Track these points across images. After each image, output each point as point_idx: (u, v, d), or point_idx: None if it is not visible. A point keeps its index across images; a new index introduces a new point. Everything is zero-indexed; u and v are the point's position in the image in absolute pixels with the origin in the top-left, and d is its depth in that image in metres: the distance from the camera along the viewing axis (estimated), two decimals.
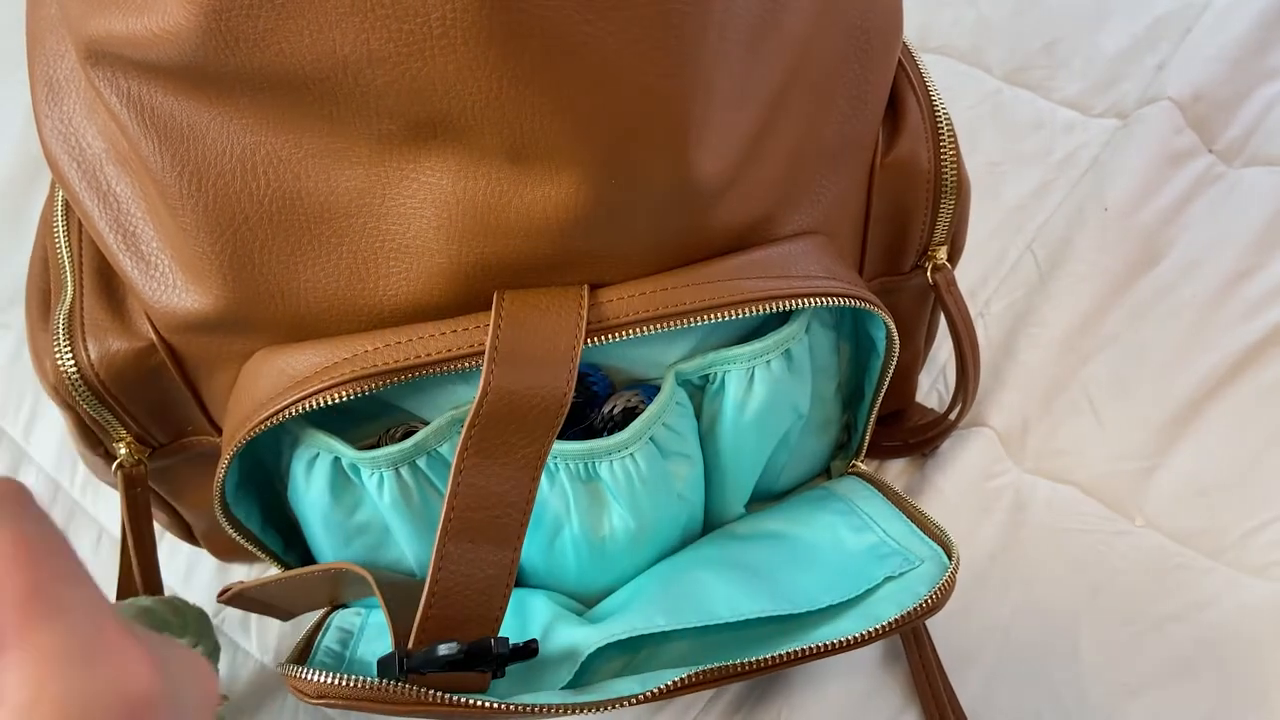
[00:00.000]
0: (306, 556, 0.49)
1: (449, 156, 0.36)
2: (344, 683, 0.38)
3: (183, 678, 0.25)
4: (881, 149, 0.46)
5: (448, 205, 0.37)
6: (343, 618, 0.48)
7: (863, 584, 0.45)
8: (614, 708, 0.42)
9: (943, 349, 0.64)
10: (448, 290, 0.39)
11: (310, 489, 0.43)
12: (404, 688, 0.38)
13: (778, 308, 0.41)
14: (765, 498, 0.53)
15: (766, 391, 0.44)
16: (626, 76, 0.35)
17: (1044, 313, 0.67)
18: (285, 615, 0.50)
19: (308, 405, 0.38)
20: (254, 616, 0.59)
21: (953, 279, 0.51)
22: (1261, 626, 0.56)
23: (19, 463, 0.66)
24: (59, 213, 0.45)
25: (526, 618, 0.46)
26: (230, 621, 0.60)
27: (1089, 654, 0.56)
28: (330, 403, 0.38)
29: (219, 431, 0.46)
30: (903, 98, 0.47)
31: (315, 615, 0.49)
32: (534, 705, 0.40)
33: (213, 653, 0.50)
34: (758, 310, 0.40)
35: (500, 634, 0.40)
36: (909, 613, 0.43)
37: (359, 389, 0.38)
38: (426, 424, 0.42)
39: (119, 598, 0.48)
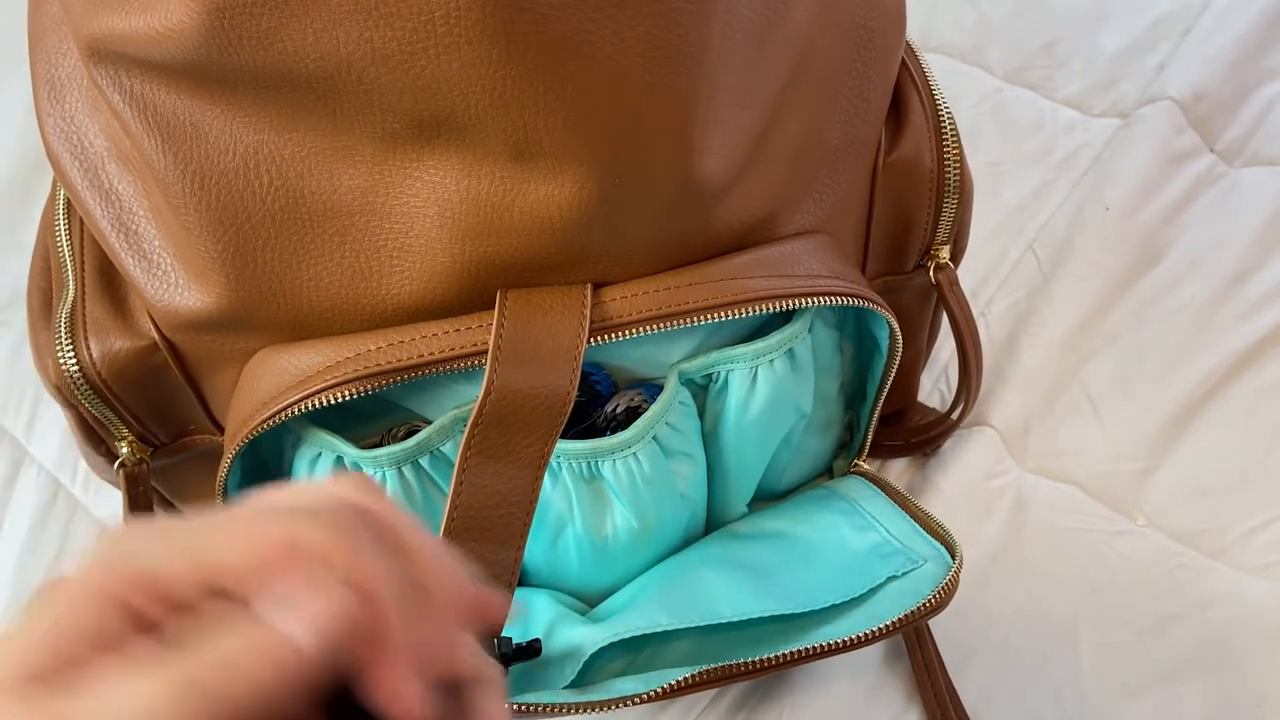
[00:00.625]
0: None
1: (452, 155, 0.36)
2: None
3: None
4: (884, 148, 0.46)
5: (451, 204, 0.37)
6: None
7: (866, 583, 0.45)
8: (617, 707, 0.42)
9: (944, 348, 0.64)
10: (451, 289, 0.39)
11: None
12: None
13: (781, 307, 0.41)
14: (768, 497, 0.53)
15: (769, 391, 0.44)
16: (630, 75, 0.35)
17: (1045, 312, 0.67)
18: None
19: (311, 404, 0.38)
20: None
21: (955, 278, 0.51)
22: (1262, 626, 0.56)
23: (20, 461, 0.66)
24: (60, 211, 0.45)
25: (529, 617, 0.46)
26: None
27: (1090, 653, 0.56)
28: (333, 402, 0.38)
29: (221, 430, 0.46)
30: (906, 97, 0.47)
31: None
32: (538, 705, 0.40)
33: None
34: (761, 310, 0.40)
35: (503, 634, 0.40)
36: (912, 612, 0.43)
37: (362, 388, 0.38)
38: (429, 423, 0.42)
39: None
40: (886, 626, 0.43)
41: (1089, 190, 0.71)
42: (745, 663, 0.42)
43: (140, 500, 0.46)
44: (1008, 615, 0.58)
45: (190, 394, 0.44)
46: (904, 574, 0.45)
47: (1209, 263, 0.67)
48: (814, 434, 0.52)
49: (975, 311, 0.65)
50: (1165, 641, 0.56)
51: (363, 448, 0.42)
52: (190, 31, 0.34)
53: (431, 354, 0.38)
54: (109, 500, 0.65)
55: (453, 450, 0.42)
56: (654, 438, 0.43)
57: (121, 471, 0.45)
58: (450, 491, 0.38)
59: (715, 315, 0.40)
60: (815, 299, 0.41)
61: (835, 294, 0.42)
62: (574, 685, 0.43)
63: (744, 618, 0.44)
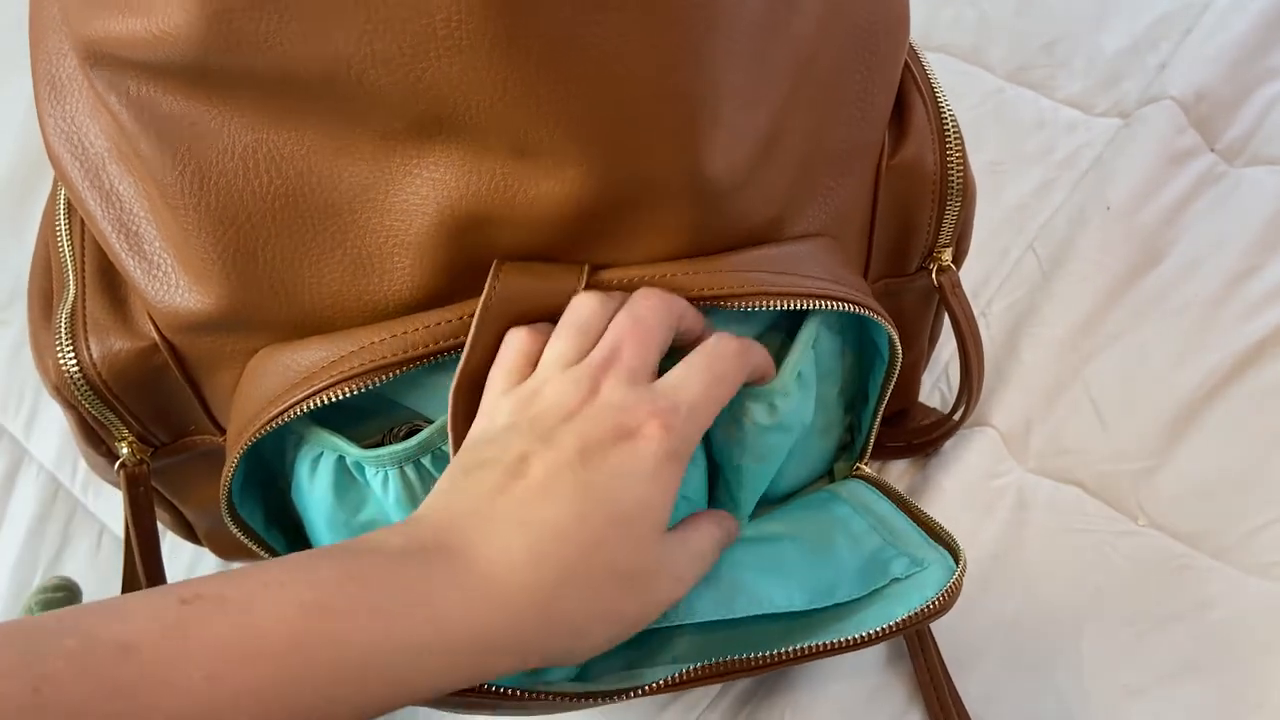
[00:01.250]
0: None
1: (453, 152, 0.36)
2: None
3: None
4: (888, 151, 0.46)
5: (451, 199, 0.37)
6: None
7: (869, 585, 0.45)
8: (621, 698, 0.42)
9: (945, 348, 0.64)
10: (452, 284, 0.39)
11: (315, 488, 0.43)
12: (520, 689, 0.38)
13: (782, 305, 0.40)
14: (768, 501, 0.53)
15: (782, 418, 0.44)
16: (634, 76, 0.35)
17: (1046, 312, 0.66)
18: None
19: (317, 401, 0.38)
20: None
21: (957, 281, 0.51)
22: (1265, 626, 0.56)
23: (19, 460, 0.66)
24: (61, 211, 0.45)
25: None
26: None
27: (1092, 654, 0.56)
28: (339, 398, 0.38)
29: (221, 431, 0.46)
30: (909, 99, 0.47)
31: None
32: (546, 692, 0.40)
33: None
34: (760, 305, 0.40)
35: None
36: (916, 613, 0.43)
37: (367, 382, 0.38)
38: (430, 421, 0.42)
39: None
40: (891, 627, 0.42)
41: (1090, 190, 0.70)
42: (748, 658, 0.42)
43: (141, 500, 0.46)
44: (1009, 615, 0.58)
45: (191, 395, 0.44)
46: (907, 576, 0.45)
47: (1210, 262, 0.67)
48: (815, 437, 0.52)
49: (976, 311, 0.65)
50: (1167, 642, 0.56)
51: (364, 447, 0.41)
52: (188, 35, 0.34)
53: (435, 342, 0.38)
54: (109, 500, 0.65)
55: None
56: None
57: (122, 472, 0.45)
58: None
59: (712, 304, 0.39)
60: (814, 301, 0.41)
61: (835, 299, 0.41)
62: (576, 679, 0.43)
63: (755, 613, 0.44)
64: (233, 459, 0.40)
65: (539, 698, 0.39)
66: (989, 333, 0.66)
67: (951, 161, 0.47)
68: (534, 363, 0.38)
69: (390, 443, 0.42)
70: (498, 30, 0.33)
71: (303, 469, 0.43)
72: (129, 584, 0.48)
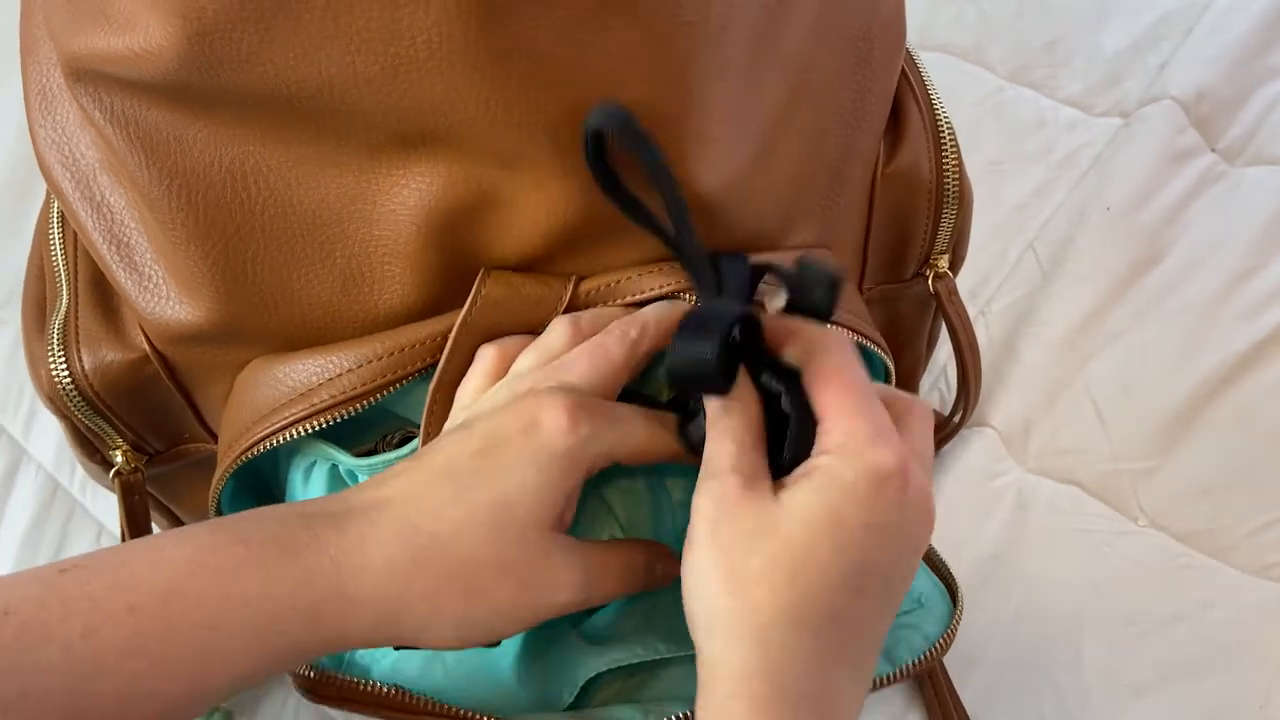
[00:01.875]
0: None
1: (439, 163, 0.36)
2: (363, 687, 0.38)
3: None
4: (883, 159, 0.46)
5: (438, 208, 0.37)
6: None
7: None
8: None
9: (942, 349, 0.64)
10: (441, 294, 0.38)
11: (308, 495, 0.43)
12: (419, 698, 0.38)
13: None
14: None
15: None
16: (617, 92, 0.34)
17: (1046, 312, 0.66)
18: None
19: (318, 422, 0.38)
20: None
21: (954, 287, 0.51)
22: (1264, 626, 0.56)
23: (18, 460, 0.66)
24: (54, 220, 0.45)
25: None
26: None
27: (1092, 654, 0.56)
28: (341, 419, 0.38)
29: (215, 439, 0.46)
30: (904, 107, 0.47)
31: None
32: None
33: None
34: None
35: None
36: (920, 661, 0.43)
37: (367, 402, 0.38)
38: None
39: None
40: (893, 675, 0.43)
41: (1090, 189, 0.70)
42: None
43: (137, 508, 0.46)
44: (1009, 616, 0.58)
45: (183, 404, 0.44)
46: (906, 613, 0.45)
47: (1210, 262, 0.67)
48: None
49: (975, 311, 0.65)
50: (1168, 642, 0.56)
51: (357, 455, 0.41)
52: (170, 53, 0.33)
53: (431, 356, 0.38)
54: (107, 500, 0.65)
55: None
56: None
57: (117, 480, 0.45)
58: None
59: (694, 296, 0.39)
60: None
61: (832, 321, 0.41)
62: (572, 708, 0.43)
63: None
64: (223, 472, 0.40)
65: None
66: (988, 333, 0.66)
67: (947, 168, 0.46)
68: (499, 378, 0.38)
69: (383, 451, 0.42)
70: (478, 51, 0.32)
71: (296, 477, 0.43)
72: None
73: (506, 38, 0.32)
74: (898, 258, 0.49)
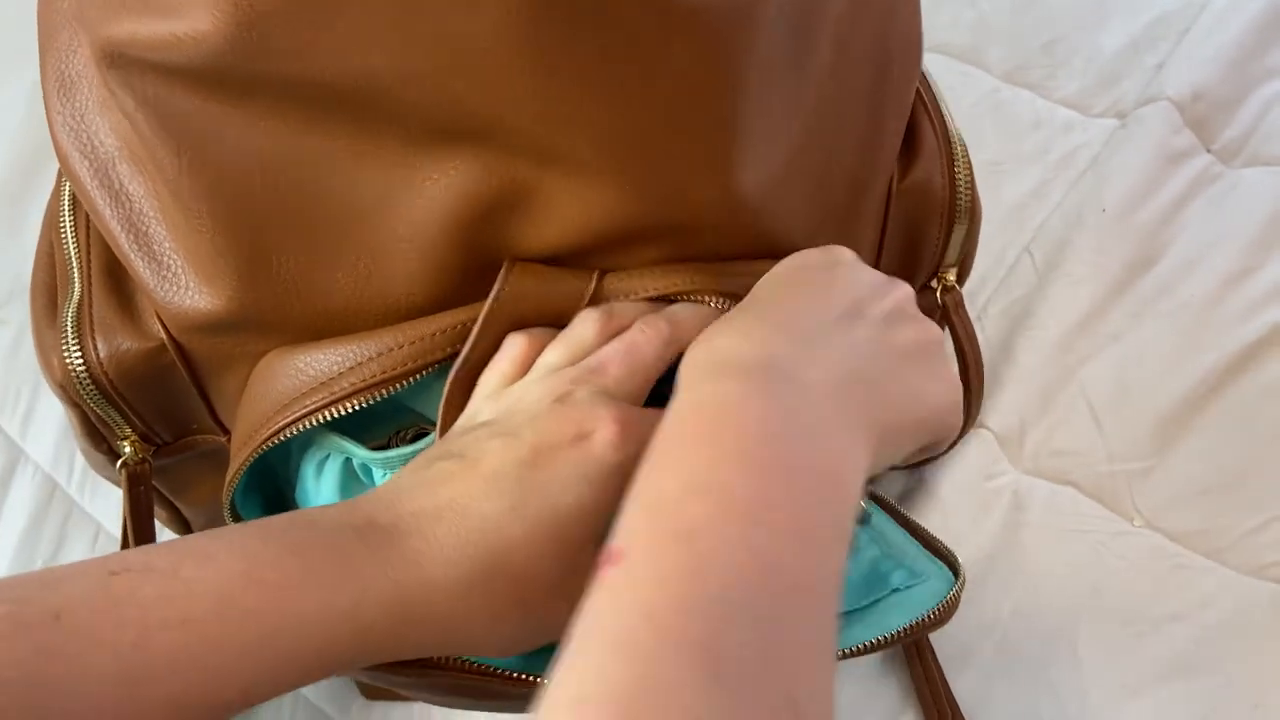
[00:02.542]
0: None
1: (474, 157, 0.36)
2: None
3: None
4: (898, 174, 0.46)
5: (469, 203, 0.37)
6: None
7: (870, 595, 0.45)
8: None
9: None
10: (465, 287, 0.38)
11: (320, 490, 0.43)
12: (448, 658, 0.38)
13: None
14: None
15: None
16: (667, 103, 0.35)
17: (1042, 313, 0.67)
18: None
19: (339, 409, 0.38)
20: None
21: (961, 300, 0.51)
22: (1260, 626, 0.57)
23: (15, 460, 0.66)
24: (66, 208, 0.45)
25: None
26: None
27: (1088, 654, 0.57)
28: (361, 405, 0.38)
29: (224, 431, 0.45)
30: (918, 122, 0.47)
31: None
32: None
33: None
34: None
35: None
36: (916, 623, 0.43)
37: (387, 390, 0.38)
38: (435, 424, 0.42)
39: None
40: (890, 636, 0.43)
41: (1087, 190, 0.71)
42: None
43: (141, 499, 0.46)
44: (1005, 616, 0.58)
45: (196, 395, 0.44)
46: (907, 588, 0.45)
47: (1207, 263, 0.67)
48: None
49: (973, 313, 0.65)
50: (1163, 642, 0.57)
51: (371, 449, 0.41)
52: (214, 40, 0.33)
53: (452, 346, 0.38)
54: (105, 499, 0.65)
55: None
56: None
57: (123, 470, 0.45)
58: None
59: (715, 301, 0.39)
60: None
61: None
62: None
63: None
64: (240, 462, 0.40)
65: (535, 684, 0.39)
66: (985, 335, 0.66)
67: (960, 184, 0.47)
68: (526, 368, 0.39)
69: (397, 445, 0.42)
70: (533, 57, 0.32)
71: (308, 470, 0.43)
72: None
73: (562, 46, 0.32)
74: (908, 270, 0.50)
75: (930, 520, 0.60)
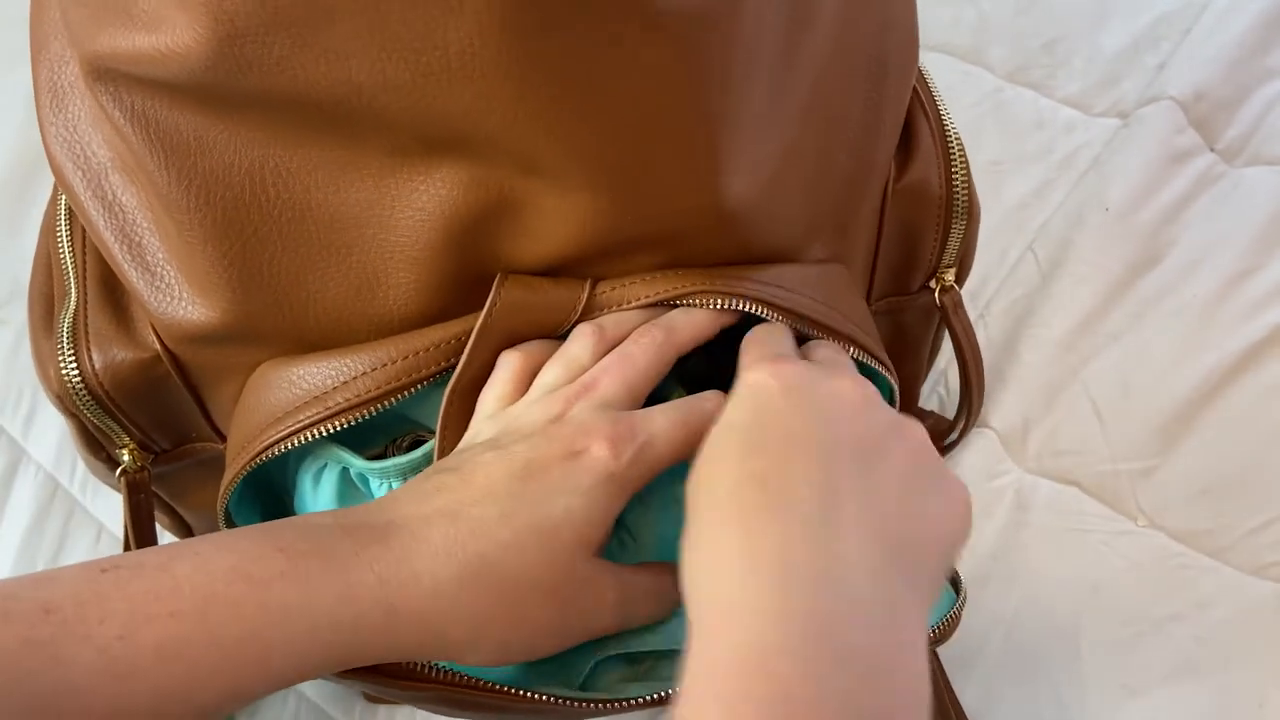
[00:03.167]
0: None
1: (460, 168, 0.36)
2: None
3: None
4: (894, 174, 0.46)
5: (458, 213, 0.37)
6: None
7: None
8: (621, 707, 0.41)
9: (943, 354, 0.64)
10: (457, 299, 0.39)
11: (318, 499, 0.43)
12: (436, 669, 0.38)
13: (774, 316, 0.40)
14: None
15: None
16: (648, 110, 0.35)
17: (1045, 313, 0.67)
18: None
19: (333, 425, 0.38)
20: None
21: (959, 300, 0.51)
22: (1263, 626, 0.57)
23: (17, 461, 0.66)
24: (62, 217, 0.45)
25: None
26: None
27: (1090, 654, 0.57)
28: (355, 421, 0.38)
29: (222, 439, 0.45)
30: (915, 122, 0.47)
31: None
32: (545, 695, 0.39)
33: None
34: (756, 309, 0.40)
35: None
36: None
37: (381, 405, 0.38)
38: (434, 433, 0.41)
39: None
40: None
41: (1089, 190, 0.71)
42: None
43: (142, 507, 0.46)
44: (1008, 615, 0.58)
45: (193, 404, 0.44)
46: None
47: (1209, 262, 0.67)
48: None
49: (975, 313, 0.65)
50: (1166, 641, 0.57)
51: (368, 459, 0.41)
52: (198, 55, 0.33)
53: (446, 360, 0.38)
54: (107, 500, 0.65)
55: None
56: None
57: (123, 479, 0.45)
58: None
59: (708, 301, 0.39)
60: (807, 324, 0.41)
61: (829, 327, 0.41)
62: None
63: None
64: (234, 473, 0.40)
65: (547, 701, 0.39)
66: (987, 334, 0.66)
67: (957, 183, 0.47)
68: (524, 386, 0.39)
69: (394, 455, 0.42)
70: (511, 64, 0.32)
71: (305, 480, 0.43)
72: None
73: (540, 51, 0.32)
74: (906, 271, 0.50)
75: None
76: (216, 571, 0.32)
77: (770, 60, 0.37)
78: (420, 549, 0.34)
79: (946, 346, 0.60)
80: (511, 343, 0.39)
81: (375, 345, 0.39)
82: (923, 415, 0.62)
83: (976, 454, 0.63)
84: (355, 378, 0.38)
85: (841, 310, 0.43)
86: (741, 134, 0.37)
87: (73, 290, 0.43)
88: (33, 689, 0.29)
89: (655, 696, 0.41)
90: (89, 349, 0.42)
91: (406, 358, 0.38)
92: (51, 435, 0.67)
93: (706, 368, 0.43)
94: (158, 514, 0.51)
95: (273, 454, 0.39)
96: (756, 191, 0.39)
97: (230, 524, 0.43)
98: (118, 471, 0.45)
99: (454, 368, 0.39)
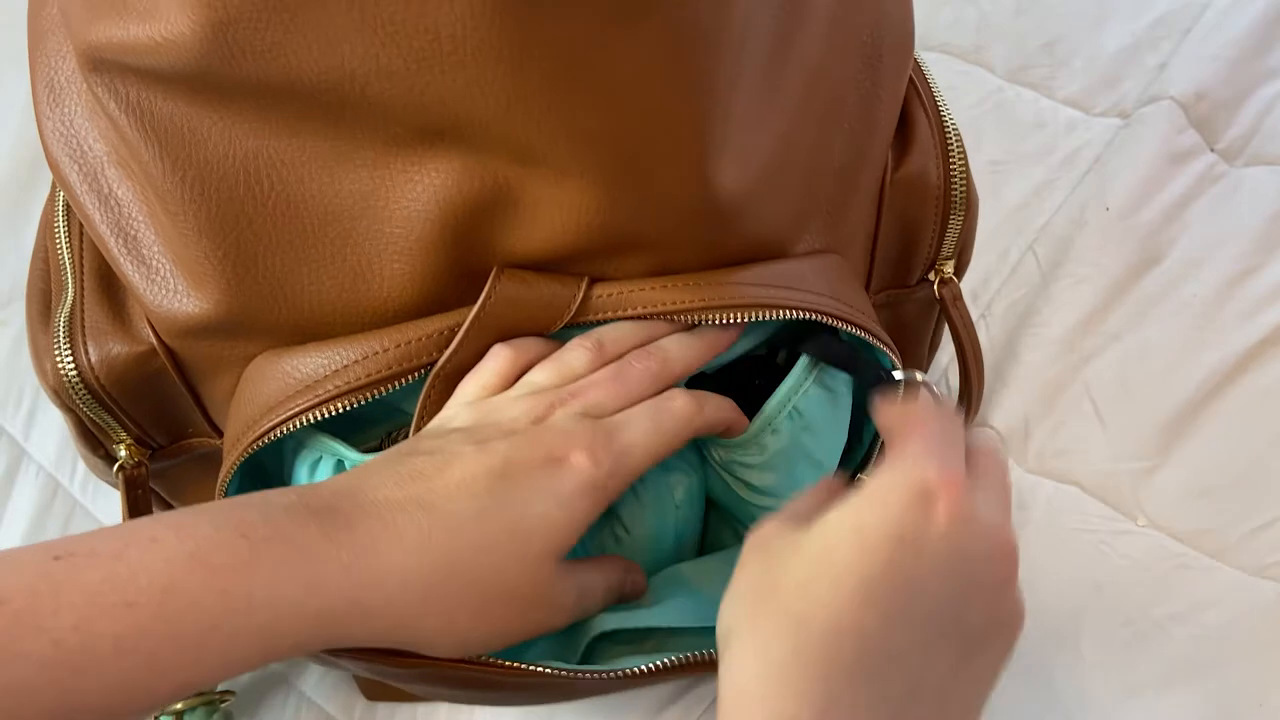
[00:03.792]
0: None
1: (455, 159, 0.36)
2: None
3: None
4: (891, 165, 0.46)
5: (452, 204, 0.37)
6: None
7: None
8: (621, 678, 0.41)
9: (944, 352, 0.64)
10: (451, 292, 0.39)
11: None
12: None
13: (775, 316, 0.40)
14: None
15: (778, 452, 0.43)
16: (639, 97, 0.35)
17: (1045, 313, 0.66)
18: None
19: (322, 412, 0.38)
20: None
21: (959, 293, 0.51)
22: (1263, 626, 0.56)
23: (18, 460, 0.66)
24: (60, 213, 0.45)
25: None
26: None
27: (1090, 654, 0.56)
28: (344, 409, 0.38)
29: (219, 433, 0.46)
30: (912, 114, 0.47)
31: None
32: (545, 668, 0.39)
33: None
34: (755, 316, 0.40)
35: None
36: None
37: (372, 394, 0.38)
38: None
39: None
40: None
41: (1090, 190, 0.70)
42: None
43: (140, 502, 0.46)
44: None
45: (189, 398, 0.44)
46: None
47: (1210, 262, 0.67)
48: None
49: (977, 313, 0.65)
50: (1166, 641, 0.56)
51: (364, 451, 0.41)
52: (191, 43, 0.33)
53: (438, 351, 0.39)
54: (108, 499, 0.65)
55: None
56: None
57: (120, 474, 0.45)
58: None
59: (708, 318, 0.39)
60: (813, 315, 0.41)
61: (835, 316, 0.41)
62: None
63: None
64: (229, 464, 0.40)
65: (540, 673, 0.39)
66: (988, 333, 0.66)
67: (955, 175, 0.47)
68: (508, 382, 0.39)
69: (389, 447, 0.42)
70: (503, 47, 0.33)
71: (301, 472, 0.43)
72: None
73: (531, 35, 0.33)
74: (904, 263, 0.50)
75: None
76: (174, 558, 0.31)
77: (764, 46, 0.37)
78: (390, 540, 0.33)
79: (947, 345, 0.60)
80: (504, 337, 0.39)
81: (368, 335, 0.39)
82: None
83: None
84: (346, 366, 0.38)
85: (846, 300, 0.43)
86: (734, 121, 0.37)
87: (70, 285, 0.43)
88: None
89: (653, 666, 0.41)
90: (85, 343, 0.42)
91: (399, 346, 0.38)
92: (52, 435, 0.67)
93: None
94: (155, 510, 0.52)
95: (267, 440, 0.39)
96: (749, 179, 0.39)
97: None
98: (115, 467, 0.45)
99: (451, 358, 0.39)
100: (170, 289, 0.39)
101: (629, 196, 0.37)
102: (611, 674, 0.40)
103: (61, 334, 0.42)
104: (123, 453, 0.45)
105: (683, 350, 0.40)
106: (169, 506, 0.52)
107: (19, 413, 0.67)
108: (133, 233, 0.40)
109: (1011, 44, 0.77)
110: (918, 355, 0.57)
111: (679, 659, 0.41)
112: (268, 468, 0.45)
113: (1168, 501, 0.60)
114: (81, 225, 0.44)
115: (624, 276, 0.40)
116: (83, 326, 0.42)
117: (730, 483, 0.45)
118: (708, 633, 0.45)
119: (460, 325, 0.38)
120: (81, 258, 0.44)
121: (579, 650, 0.43)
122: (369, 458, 0.41)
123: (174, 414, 0.45)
